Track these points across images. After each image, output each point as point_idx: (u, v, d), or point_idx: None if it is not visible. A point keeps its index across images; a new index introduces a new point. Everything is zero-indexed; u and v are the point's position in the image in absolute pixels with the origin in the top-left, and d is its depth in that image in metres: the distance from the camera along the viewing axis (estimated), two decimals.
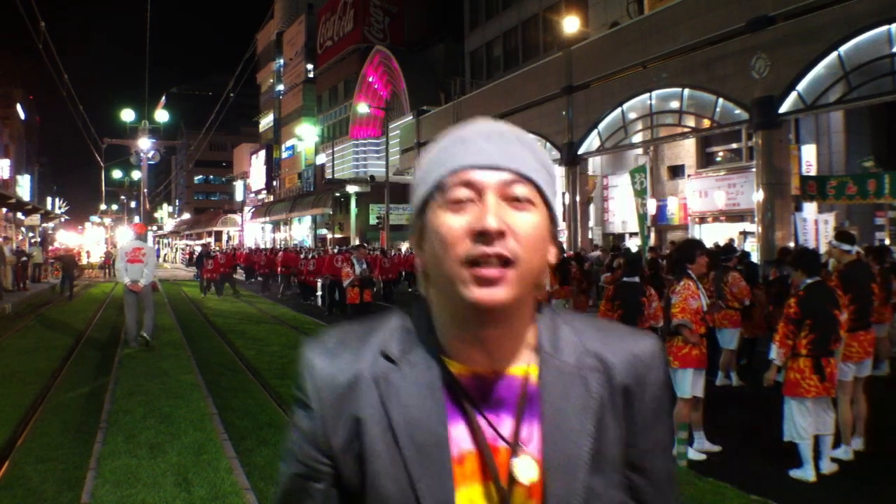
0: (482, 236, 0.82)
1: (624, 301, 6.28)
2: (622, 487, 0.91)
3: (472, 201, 0.84)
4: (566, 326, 0.94)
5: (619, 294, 6.38)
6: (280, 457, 0.95)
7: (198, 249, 42.73)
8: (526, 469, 0.86)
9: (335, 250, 20.54)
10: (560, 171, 21.53)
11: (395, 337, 0.92)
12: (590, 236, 23.87)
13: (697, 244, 6.13)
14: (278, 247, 35.83)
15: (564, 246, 21.07)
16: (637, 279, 6.40)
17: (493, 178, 0.84)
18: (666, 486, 0.95)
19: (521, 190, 0.85)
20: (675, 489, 0.98)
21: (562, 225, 19.83)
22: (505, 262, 0.82)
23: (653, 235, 21.45)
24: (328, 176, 43.80)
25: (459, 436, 0.88)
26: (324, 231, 46.32)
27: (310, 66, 53.93)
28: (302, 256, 22.14)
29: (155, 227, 61.67)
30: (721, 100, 16.04)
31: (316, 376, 0.91)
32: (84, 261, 43.69)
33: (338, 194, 42.59)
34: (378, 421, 0.87)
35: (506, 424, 0.88)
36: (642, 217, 20.44)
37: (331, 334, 0.96)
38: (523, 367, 0.91)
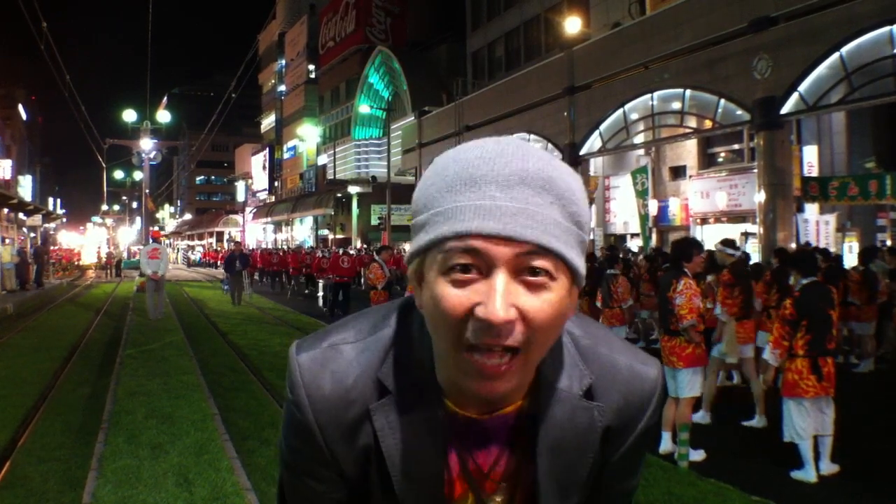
0: (486, 324, 0.70)
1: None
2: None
3: (478, 272, 0.71)
4: (570, 345, 0.87)
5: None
6: (279, 452, 0.93)
7: (197, 248, 42.66)
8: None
9: (340, 251, 20.50)
10: None
11: (396, 362, 0.84)
12: (591, 237, 23.86)
13: (694, 243, 6.13)
14: (292, 248, 35.73)
15: None
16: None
17: (507, 252, 0.70)
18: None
19: (540, 263, 0.71)
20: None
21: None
22: (513, 350, 0.72)
23: (654, 236, 21.44)
24: (330, 176, 43.81)
25: (452, 472, 0.86)
26: (325, 232, 46.33)
27: (312, 67, 53.95)
28: (318, 255, 22.11)
29: (156, 228, 61.61)
30: (723, 100, 16.02)
31: (320, 411, 0.83)
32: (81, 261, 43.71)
33: (339, 195, 42.61)
34: (373, 452, 0.84)
35: (499, 461, 0.86)
36: (644, 218, 20.46)
37: (328, 341, 0.87)
38: (518, 402, 0.85)
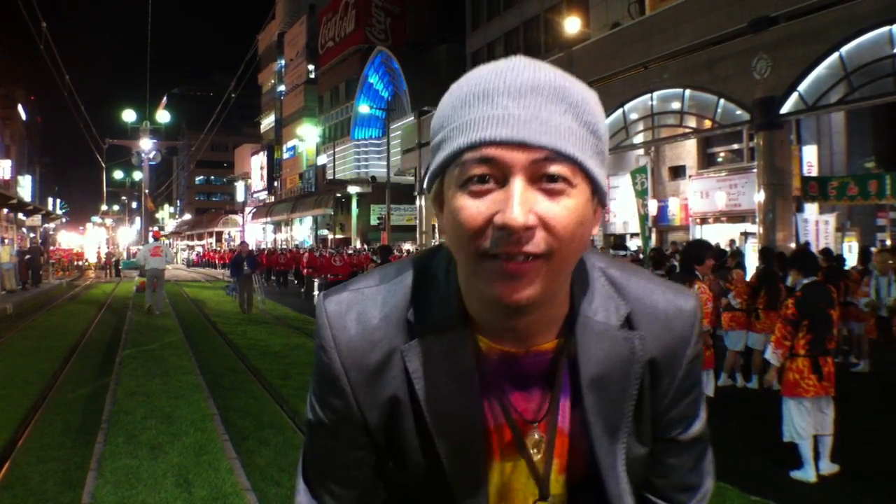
0: (506, 232, 0.69)
1: None
2: (650, 458, 0.88)
3: (495, 182, 0.71)
4: (601, 278, 0.85)
5: None
6: (303, 424, 0.92)
7: (196, 248, 42.54)
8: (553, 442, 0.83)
9: (328, 252, 20.52)
10: None
11: (422, 302, 0.83)
12: (591, 237, 23.86)
13: (706, 245, 6.13)
14: (298, 248, 35.67)
15: None
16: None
17: (522, 158, 0.69)
18: (693, 456, 0.92)
19: (556, 169, 0.70)
20: (704, 459, 0.93)
21: None
22: (534, 256, 0.71)
23: (654, 236, 21.45)
24: (329, 176, 43.83)
25: (489, 414, 0.83)
26: (325, 232, 46.34)
27: (311, 67, 53.96)
28: (316, 254, 22.04)
29: (157, 228, 61.80)
30: (722, 100, 16.03)
31: (345, 353, 0.83)
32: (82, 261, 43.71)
33: (339, 195, 42.63)
34: (405, 398, 0.82)
35: (537, 400, 0.83)
36: (643, 218, 20.39)
37: (353, 288, 0.87)
38: (556, 338, 0.83)
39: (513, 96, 0.71)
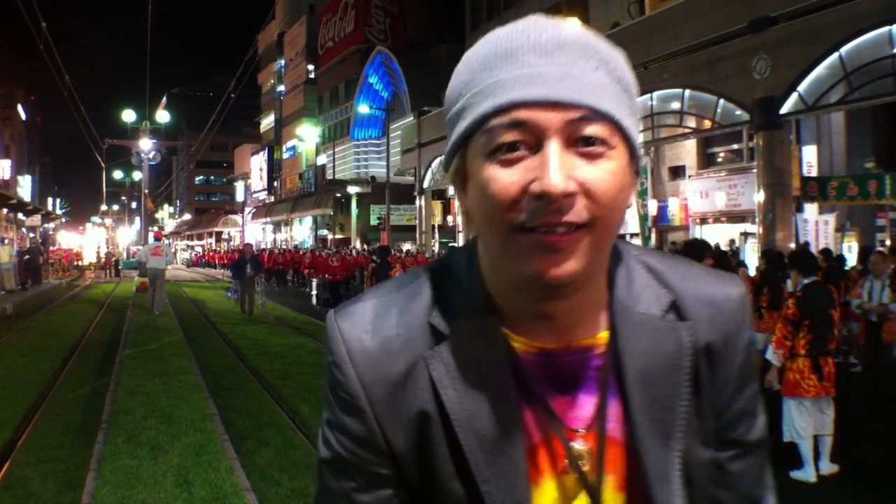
0: (545, 201, 0.63)
1: None
2: (715, 463, 0.78)
3: (527, 149, 0.64)
4: (639, 266, 0.77)
5: None
6: (317, 458, 0.79)
7: (195, 248, 42.47)
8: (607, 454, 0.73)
9: (324, 253, 20.61)
10: None
11: (443, 303, 0.74)
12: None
13: (705, 245, 6.12)
14: (298, 248, 35.70)
15: None
16: None
17: (556, 119, 0.63)
18: (758, 464, 0.82)
19: (594, 130, 0.64)
20: (766, 470, 0.83)
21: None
22: (576, 226, 0.64)
23: (653, 236, 21.45)
24: (329, 177, 43.82)
25: (530, 425, 0.73)
26: (325, 232, 46.35)
27: (311, 67, 53.96)
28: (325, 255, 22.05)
29: (156, 228, 61.90)
30: (722, 100, 16.03)
31: (362, 367, 0.73)
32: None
33: (339, 195, 42.64)
34: (434, 412, 0.71)
35: (583, 406, 0.73)
36: (643, 218, 20.44)
37: (366, 299, 0.78)
38: (598, 332, 0.75)
39: (540, 53, 0.64)
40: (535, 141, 0.64)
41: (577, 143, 0.64)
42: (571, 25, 0.67)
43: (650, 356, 0.73)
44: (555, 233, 0.63)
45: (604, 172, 0.64)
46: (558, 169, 0.62)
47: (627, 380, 0.72)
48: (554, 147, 0.63)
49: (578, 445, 0.73)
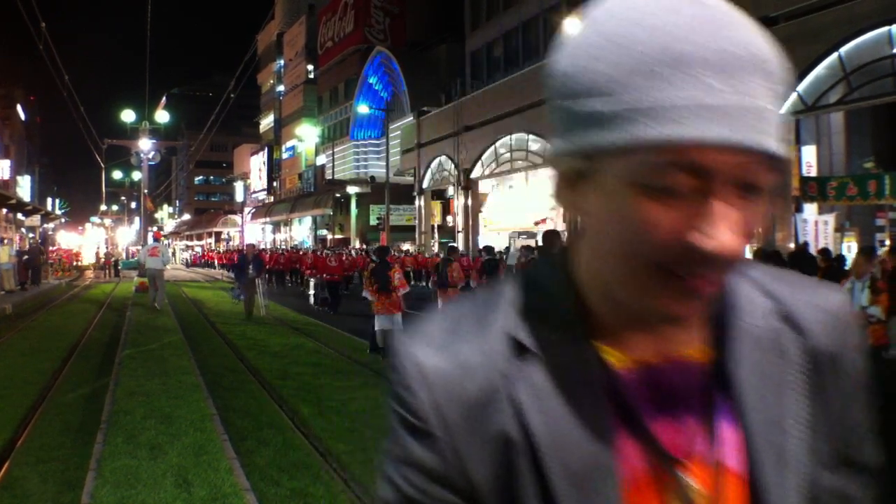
0: (706, 259, 0.55)
1: None
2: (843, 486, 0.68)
3: (687, 188, 0.55)
4: (739, 276, 0.68)
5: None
6: (377, 500, 0.69)
7: (195, 248, 42.33)
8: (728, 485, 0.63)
9: (323, 252, 20.71)
10: None
11: (526, 315, 0.65)
12: None
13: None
14: (297, 248, 35.65)
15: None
16: None
17: (729, 163, 0.54)
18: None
19: (763, 178, 0.56)
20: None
21: (561, 225, 19.92)
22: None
23: None
24: (328, 177, 43.87)
25: (628, 453, 0.62)
26: (324, 232, 46.38)
27: (310, 67, 54.02)
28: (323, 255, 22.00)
29: (155, 228, 61.92)
30: None
31: (434, 385, 0.63)
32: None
33: (338, 195, 42.68)
34: (519, 437, 0.61)
35: (690, 430, 0.63)
36: None
37: (436, 317, 0.69)
38: (698, 345, 0.66)
39: (715, 69, 0.52)
40: (698, 184, 0.54)
41: (739, 186, 0.55)
42: (739, 19, 0.55)
43: (761, 374, 0.65)
44: (702, 280, 0.57)
45: (755, 216, 0.57)
46: (728, 228, 0.54)
47: (743, 399, 0.64)
48: (721, 198, 0.55)
49: (688, 478, 0.62)
